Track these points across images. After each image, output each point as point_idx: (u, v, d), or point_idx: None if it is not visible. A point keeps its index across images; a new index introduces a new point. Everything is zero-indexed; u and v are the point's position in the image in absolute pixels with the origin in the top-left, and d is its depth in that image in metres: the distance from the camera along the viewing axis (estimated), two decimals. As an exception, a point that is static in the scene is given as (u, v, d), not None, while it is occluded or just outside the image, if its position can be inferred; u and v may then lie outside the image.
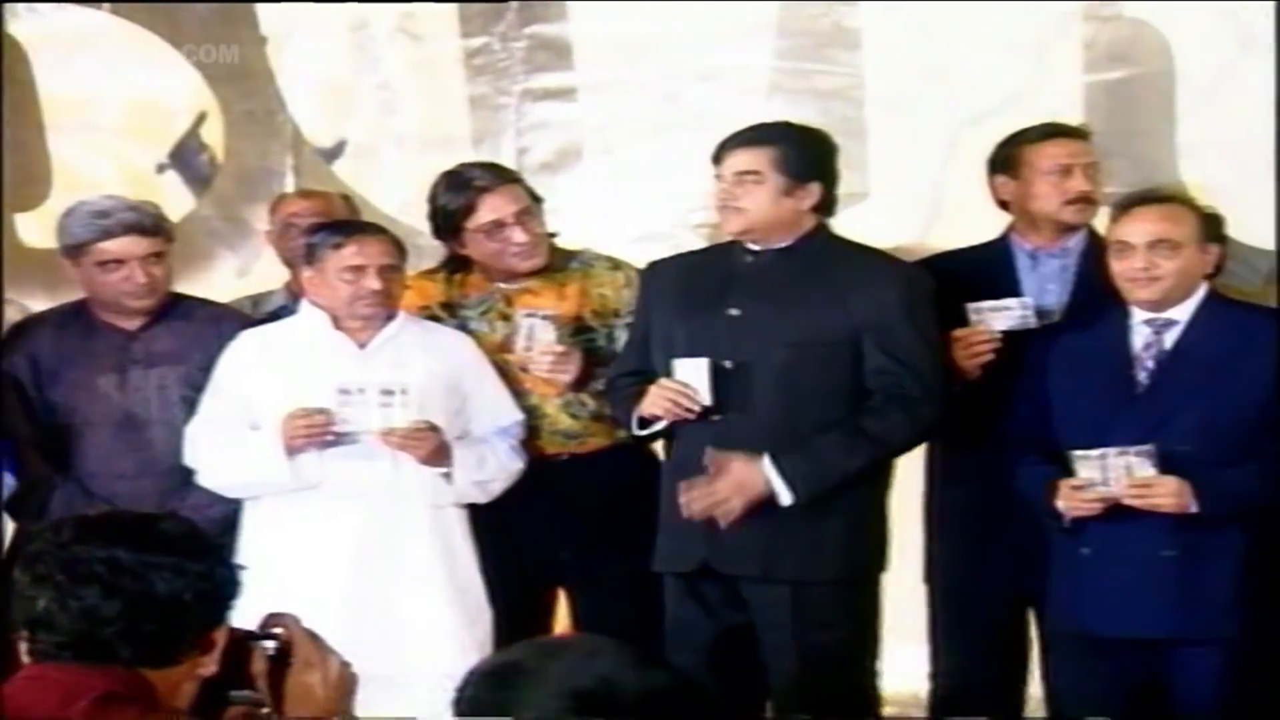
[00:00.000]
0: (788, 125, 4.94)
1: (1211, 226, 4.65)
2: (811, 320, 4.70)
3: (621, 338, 5.05)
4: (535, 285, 5.07)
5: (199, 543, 2.66)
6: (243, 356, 4.93)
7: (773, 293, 4.74)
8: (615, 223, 5.98)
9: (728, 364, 4.72)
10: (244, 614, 2.81)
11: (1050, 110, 5.46)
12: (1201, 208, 4.68)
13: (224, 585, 2.66)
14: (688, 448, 4.81)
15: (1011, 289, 4.94)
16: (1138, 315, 4.64)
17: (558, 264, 5.09)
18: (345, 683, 2.71)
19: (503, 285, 5.09)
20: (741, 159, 4.77)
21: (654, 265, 5.03)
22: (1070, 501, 4.52)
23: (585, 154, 6.25)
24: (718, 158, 4.83)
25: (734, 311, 4.74)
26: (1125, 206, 4.68)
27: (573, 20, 6.20)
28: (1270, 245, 5.63)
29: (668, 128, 6.14)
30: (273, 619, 2.74)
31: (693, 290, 4.83)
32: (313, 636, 2.72)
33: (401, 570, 4.83)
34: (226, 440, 4.87)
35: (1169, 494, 4.45)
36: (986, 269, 4.97)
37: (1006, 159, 5.04)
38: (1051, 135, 5.03)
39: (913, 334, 4.71)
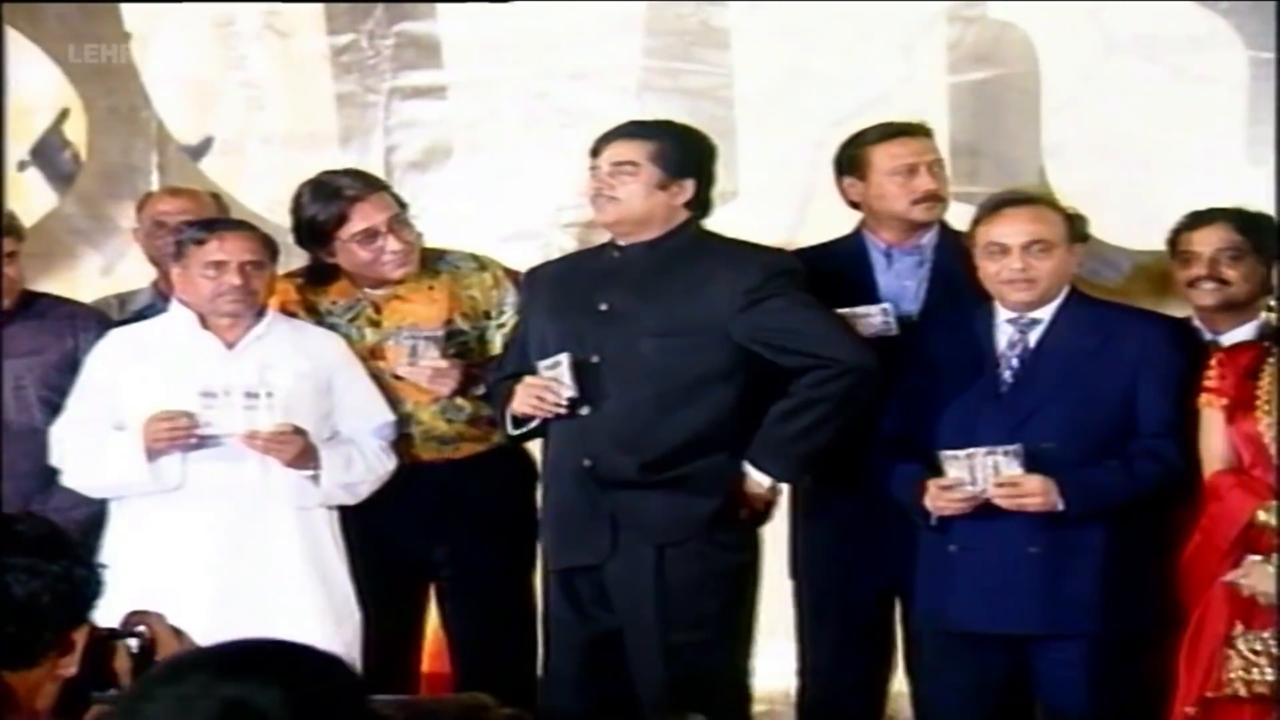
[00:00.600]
0: (669, 123, 4.99)
1: (1076, 227, 4.68)
2: (677, 310, 4.72)
3: (493, 338, 5.07)
4: (404, 291, 5.05)
5: (57, 544, 2.63)
6: (110, 356, 4.89)
7: (639, 286, 4.77)
8: (485, 222, 5.98)
9: (594, 358, 4.74)
10: (110, 614, 2.79)
11: (916, 110, 5.47)
12: (1065, 209, 4.72)
13: (83, 586, 2.62)
14: (559, 443, 4.83)
15: (868, 286, 4.98)
16: (1002, 314, 4.67)
17: (426, 267, 5.07)
18: None
19: (370, 291, 5.07)
20: (619, 150, 4.81)
21: (533, 271, 5.06)
22: (938, 501, 4.55)
23: (455, 152, 6.23)
24: (596, 150, 4.86)
25: (602, 306, 4.78)
26: (994, 207, 4.72)
27: (442, 18, 6.19)
28: (1131, 244, 5.67)
29: (538, 126, 6.15)
30: (136, 617, 2.73)
31: (566, 291, 4.86)
32: (177, 634, 2.72)
33: (268, 572, 4.81)
34: (90, 441, 4.84)
35: (1036, 493, 4.49)
36: (843, 266, 4.99)
37: (851, 160, 5.08)
38: (893, 135, 5.07)
39: (784, 304, 4.72)
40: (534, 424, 4.81)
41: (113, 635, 2.69)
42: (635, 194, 4.78)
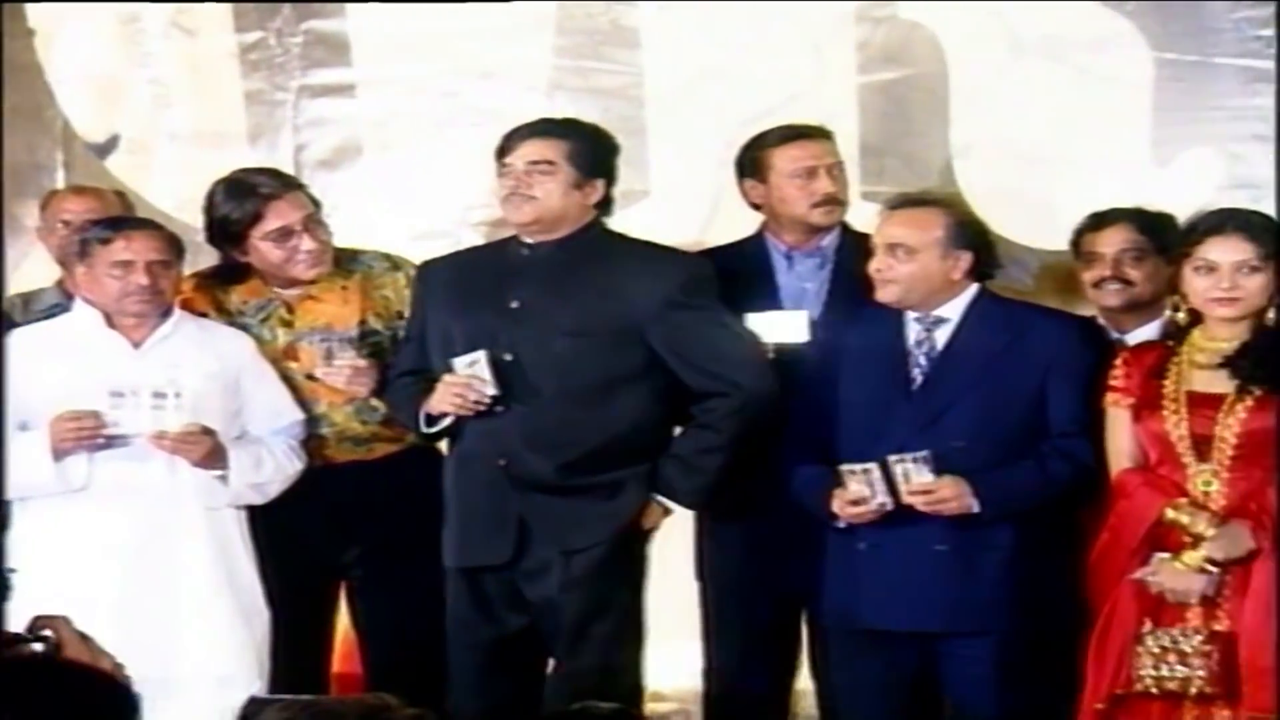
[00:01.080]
0: (579, 122, 5.00)
1: (963, 232, 4.67)
2: (592, 310, 4.74)
3: None
4: (316, 291, 5.04)
5: None
6: (14, 355, 4.81)
7: (552, 284, 4.78)
8: (395, 221, 5.97)
9: (508, 356, 4.74)
10: (18, 618, 2.77)
11: (825, 110, 5.54)
12: (956, 214, 4.71)
13: None
14: (471, 442, 4.82)
15: (769, 287, 5.01)
16: (910, 313, 4.68)
17: (338, 267, 5.06)
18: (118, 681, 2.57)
19: (282, 291, 5.05)
20: (535, 148, 4.80)
21: (427, 264, 5.05)
22: (846, 511, 4.56)
23: (364, 151, 6.21)
24: (506, 148, 4.85)
25: (514, 304, 4.78)
26: (887, 208, 4.78)
27: (350, 16, 6.18)
28: (1038, 244, 5.70)
29: (447, 125, 6.14)
30: (41, 621, 2.69)
31: (469, 287, 4.85)
32: (83, 638, 2.67)
33: (176, 572, 4.81)
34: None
35: (950, 497, 4.49)
36: (745, 267, 5.01)
37: (753, 162, 5.10)
38: (793, 138, 5.09)
39: (698, 318, 4.74)
40: (448, 422, 4.79)
41: (18, 640, 2.63)
42: (553, 193, 4.78)
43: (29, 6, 6.17)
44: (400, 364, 4.93)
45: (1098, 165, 5.77)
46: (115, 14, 6.21)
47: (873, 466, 4.51)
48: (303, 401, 4.98)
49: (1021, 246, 5.72)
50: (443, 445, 5.00)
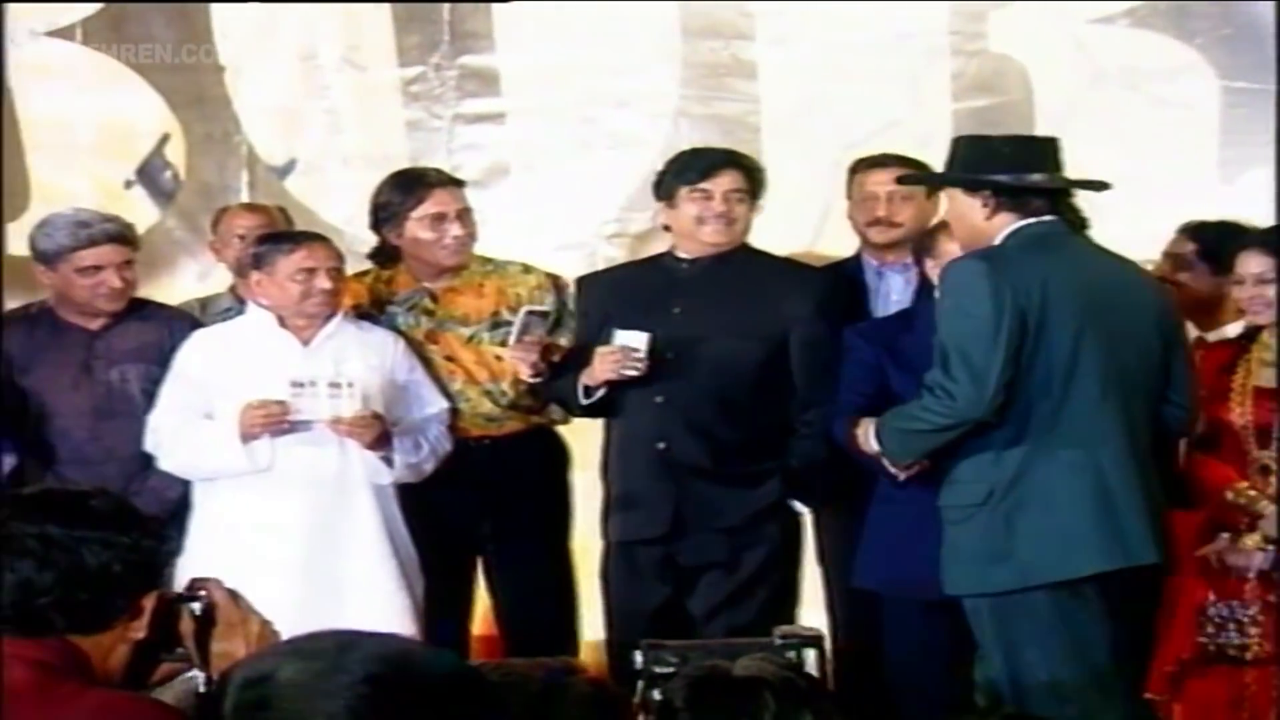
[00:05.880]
0: (747, 155, 5.11)
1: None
2: (745, 316, 4.84)
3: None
4: (458, 284, 5.14)
5: (127, 517, 2.60)
6: (198, 352, 4.97)
7: (712, 294, 4.90)
8: (538, 234, 5.98)
9: (670, 355, 4.85)
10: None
11: (923, 134, 5.57)
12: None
13: (151, 555, 2.59)
14: (633, 427, 4.91)
15: (862, 300, 5.10)
16: None
17: (478, 268, 5.16)
18: (266, 640, 2.63)
19: (428, 284, 5.13)
20: (734, 179, 4.92)
21: (587, 278, 5.17)
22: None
23: (511, 172, 6.26)
24: (702, 174, 4.90)
25: (676, 310, 4.88)
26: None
27: (500, 52, 6.21)
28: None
29: (585, 148, 6.19)
30: (197, 583, 2.68)
31: (631, 297, 4.97)
32: (234, 597, 2.67)
33: (347, 545, 4.87)
34: (188, 429, 4.90)
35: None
36: (847, 284, 5.14)
37: (848, 185, 5.23)
38: (874, 165, 5.16)
39: (831, 331, 4.84)
40: (603, 393, 4.85)
41: (177, 600, 2.63)
42: (745, 218, 4.92)
43: (219, 46, 6.23)
44: (567, 369, 5.00)
45: (1169, 184, 5.79)
46: (295, 51, 6.24)
47: None
48: (439, 380, 5.05)
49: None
50: (563, 430, 5.06)
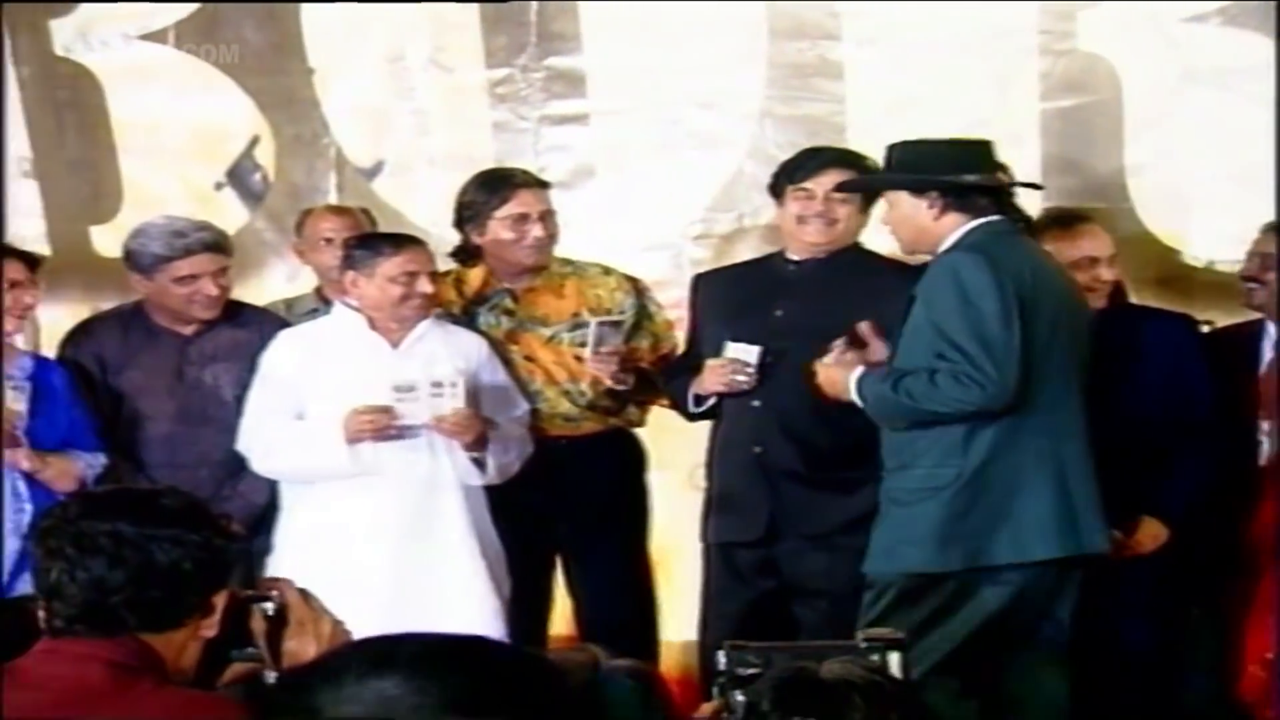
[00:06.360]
0: (855, 152, 5.07)
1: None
2: (846, 320, 4.76)
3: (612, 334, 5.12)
4: (538, 284, 5.15)
5: (198, 515, 2.61)
6: (287, 354, 4.97)
7: (814, 296, 4.88)
8: (624, 235, 5.96)
9: (770, 359, 4.85)
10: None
11: (1010, 134, 5.52)
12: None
13: (221, 554, 2.61)
14: (732, 430, 4.92)
15: None
16: None
17: (558, 270, 5.17)
18: (338, 640, 2.64)
19: (509, 285, 5.10)
20: (837, 177, 4.84)
21: (701, 277, 5.18)
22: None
23: (597, 173, 6.23)
24: (803, 173, 4.87)
25: (778, 313, 4.85)
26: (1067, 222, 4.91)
27: (586, 53, 6.17)
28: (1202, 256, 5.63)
29: (670, 149, 6.15)
30: (269, 582, 2.72)
31: (740, 297, 4.96)
32: (306, 597, 2.68)
33: (438, 546, 4.87)
34: (286, 431, 4.89)
35: None
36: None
37: None
38: None
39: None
40: (712, 402, 4.85)
41: (250, 600, 2.65)
42: (849, 217, 4.87)
43: (308, 48, 6.22)
44: (676, 366, 5.02)
45: (1257, 181, 5.66)
46: (382, 53, 6.22)
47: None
48: (519, 380, 5.06)
49: (1189, 257, 5.64)
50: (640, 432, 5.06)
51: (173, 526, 2.56)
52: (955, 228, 4.37)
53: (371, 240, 5.02)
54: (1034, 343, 4.28)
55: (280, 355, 4.98)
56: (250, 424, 4.94)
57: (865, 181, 4.74)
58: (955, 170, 4.38)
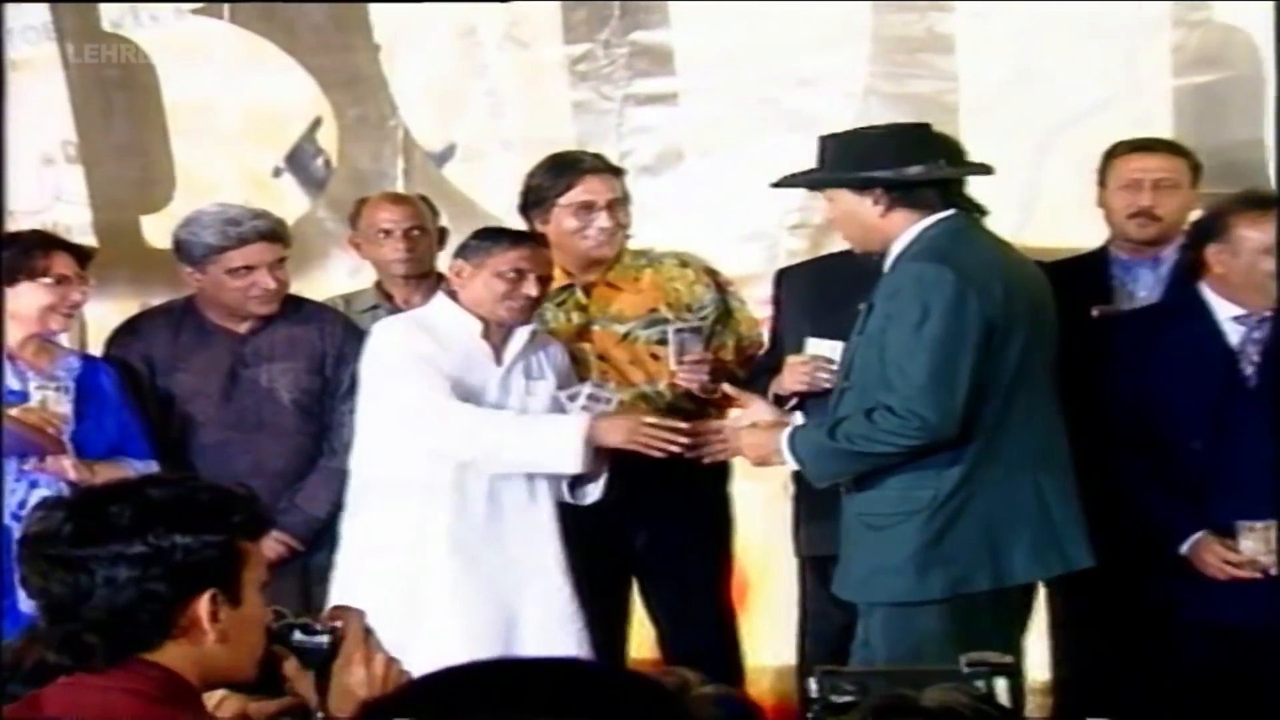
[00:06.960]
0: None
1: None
2: None
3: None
4: (612, 278, 4.96)
5: (147, 517, 2.42)
6: (415, 334, 4.65)
7: None
8: (716, 224, 5.83)
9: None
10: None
11: (1139, 114, 5.41)
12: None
13: (179, 554, 2.42)
14: None
15: (1102, 295, 4.85)
16: (1223, 312, 4.50)
17: (633, 261, 4.98)
18: (391, 680, 2.52)
19: (581, 278, 4.97)
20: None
21: (786, 271, 5.10)
22: (1220, 571, 4.42)
23: (686, 157, 6.08)
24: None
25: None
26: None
27: (674, 27, 6.05)
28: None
29: (766, 131, 5.96)
30: (336, 612, 2.60)
31: (824, 291, 4.79)
32: (367, 634, 2.55)
33: (526, 564, 4.65)
34: (499, 417, 4.59)
35: None
36: (1083, 275, 4.87)
37: (1100, 171, 4.97)
38: (1137, 149, 4.93)
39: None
40: (795, 402, 4.69)
41: (305, 628, 2.53)
42: None
43: (374, 23, 6.12)
44: (761, 361, 4.89)
45: None
46: (453, 28, 6.17)
47: (1273, 523, 4.35)
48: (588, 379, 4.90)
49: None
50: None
51: (113, 541, 2.41)
52: (905, 225, 4.22)
53: (489, 232, 4.83)
54: (1005, 367, 4.16)
55: (409, 337, 4.68)
56: (434, 409, 4.56)
57: (804, 179, 4.59)
58: (898, 162, 4.21)
